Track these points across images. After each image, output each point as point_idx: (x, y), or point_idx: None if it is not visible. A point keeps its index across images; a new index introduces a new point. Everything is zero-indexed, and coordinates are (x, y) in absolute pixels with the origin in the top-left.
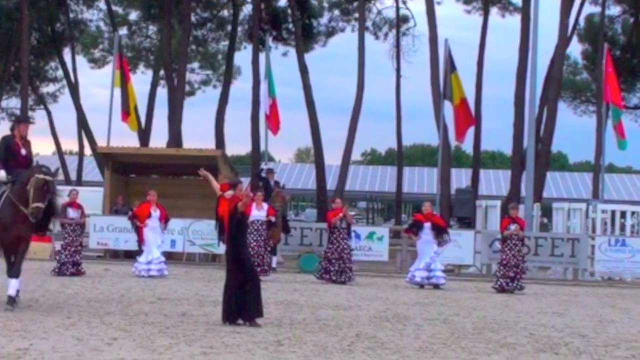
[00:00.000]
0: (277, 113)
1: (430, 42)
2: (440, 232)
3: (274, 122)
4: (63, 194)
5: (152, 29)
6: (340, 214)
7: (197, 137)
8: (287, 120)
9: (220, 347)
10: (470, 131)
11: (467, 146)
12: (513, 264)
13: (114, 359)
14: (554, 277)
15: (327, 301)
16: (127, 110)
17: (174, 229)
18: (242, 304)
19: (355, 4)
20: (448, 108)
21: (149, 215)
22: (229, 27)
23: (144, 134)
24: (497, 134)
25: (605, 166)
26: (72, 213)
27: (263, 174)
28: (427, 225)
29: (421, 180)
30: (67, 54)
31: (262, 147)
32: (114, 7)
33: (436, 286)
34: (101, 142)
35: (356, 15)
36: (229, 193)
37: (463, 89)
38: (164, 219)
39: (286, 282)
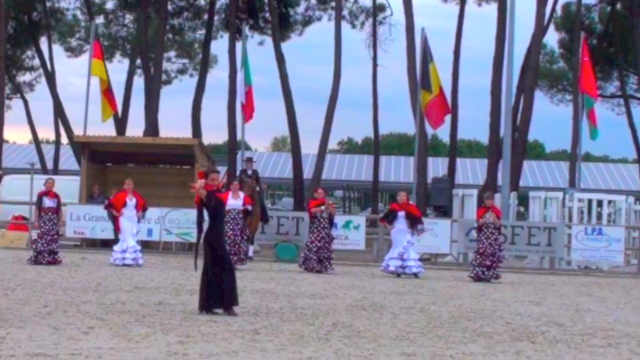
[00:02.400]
0: (252, 101)
1: (407, 31)
2: (414, 222)
3: (248, 111)
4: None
5: (129, 17)
6: (322, 207)
7: (174, 125)
8: (264, 109)
9: (197, 335)
10: (447, 120)
11: (444, 135)
12: (489, 252)
13: (90, 348)
14: (531, 265)
15: (303, 290)
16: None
17: (151, 217)
18: (218, 293)
19: None
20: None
21: (125, 204)
22: (206, 16)
23: (121, 123)
24: (473, 123)
25: (582, 155)
26: (48, 202)
27: (249, 172)
28: (402, 214)
29: (398, 169)
30: (43, 42)
31: (239, 136)
32: None
33: (415, 275)
34: (78, 131)
35: (332, 4)
36: (201, 182)
37: (439, 81)
38: (142, 208)
39: (263, 271)
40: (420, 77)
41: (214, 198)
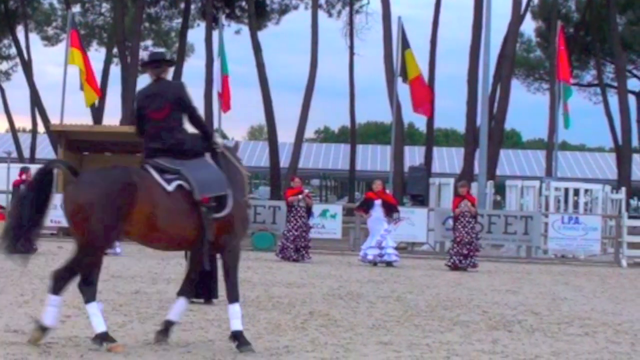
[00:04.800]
0: (229, 90)
1: (384, 20)
2: (390, 210)
3: (225, 100)
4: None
5: (106, 6)
6: (300, 196)
7: None
8: (241, 98)
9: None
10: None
11: (421, 124)
12: (466, 241)
13: (67, 336)
14: (507, 254)
15: (280, 279)
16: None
17: None
18: (203, 283)
19: None
20: (401, 86)
21: None
22: (182, 5)
23: (98, 112)
24: (450, 112)
25: (559, 144)
26: None
27: None
28: (378, 202)
29: (374, 158)
30: (20, 31)
31: (216, 125)
32: None
33: (389, 264)
34: (54, 120)
35: None
36: None
37: (417, 66)
38: None
39: (240, 260)
40: (396, 66)
41: None
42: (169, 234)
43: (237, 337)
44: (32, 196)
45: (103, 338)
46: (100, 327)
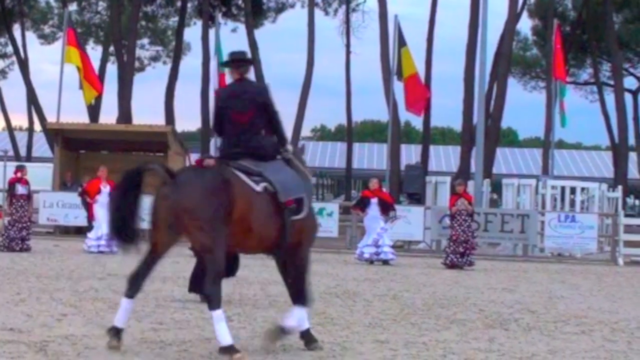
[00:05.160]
0: None
1: (380, 18)
2: (386, 209)
3: None
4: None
5: (102, 4)
6: None
7: (147, 113)
8: None
9: (170, 323)
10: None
11: (417, 122)
12: (462, 239)
13: (63, 335)
14: (504, 253)
15: (277, 277)
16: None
17: None
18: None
19: None
20: (398, 84)
21: (99, 191)
22: (179, 3)
23: (94, 110)
24: (446, 110)
25: (555, 142)
26: (20, 189)
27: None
28: (374, 201)
29: (371, 156)
30: (16, 29)
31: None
32: None
33: (385, 262)
34: (51, 118)
35: None
36: None
37: (414, 64)
38: None
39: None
40: (393, 64)
41: None
42: (259, 235)
43: (308, 336)
44: (122, 198)
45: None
46: (120, 321)
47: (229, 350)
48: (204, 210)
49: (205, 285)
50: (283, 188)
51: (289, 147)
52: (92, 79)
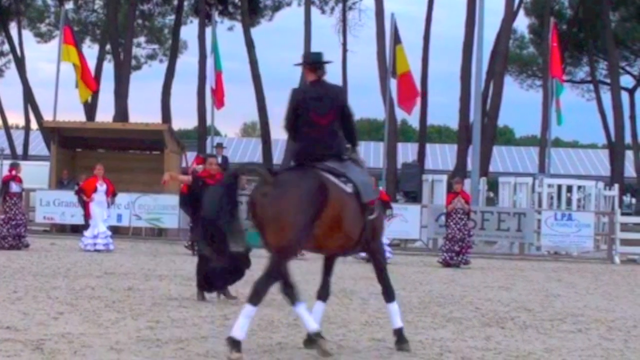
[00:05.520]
0: (222, 88)
1: (377, 16)
2: (383, 207)
3: (218, 97)
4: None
5: (99, 3)
6: None
7: (144, 111)
8: (234, 94)
9: (167, 321)
10: (417, 105)
11: (414, 120)
12: (458, 238)
13: (60, 333)
14: (500, 251)
15: None
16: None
17: (120, 203)
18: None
19: None
20: (394, 82)
21: (95, 190)
22: (175, 2)
23: (90, 109)
24: (443, 108)
25: (552, 140)
26: (15, 187)
27: (219, 158)
28: None
29: (367, 155)
30: (13, 28)
31: (209, 122)
32: None
33: None
34: (47, 117)
35: None
36: (199, 167)
37: (407, 62)
38: (112, 193)
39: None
40: (389, 63)
41: (203, 183)
42: (347, 235)
43: (399, 335)
44: (226, 201)
45: (318, 336)
46: (311, 325)
47: (235, 345)
48: (295, 213)
49: (259, 280)
50: (364, 189)
51: (357, 148)
52: (87, 77)
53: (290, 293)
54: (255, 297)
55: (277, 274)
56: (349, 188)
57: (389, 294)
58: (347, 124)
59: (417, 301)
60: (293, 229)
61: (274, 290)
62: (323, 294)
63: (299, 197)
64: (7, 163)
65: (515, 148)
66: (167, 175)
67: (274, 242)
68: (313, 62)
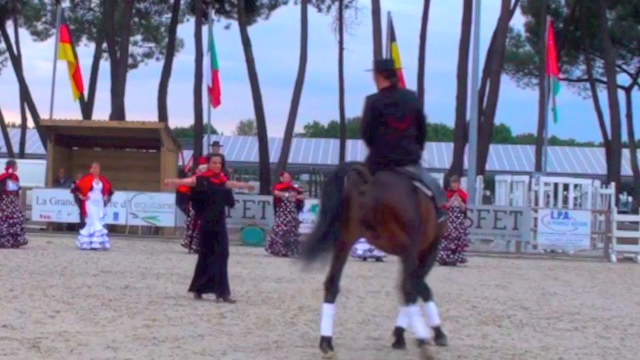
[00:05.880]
0: (219, 86)
1: (373, 15)
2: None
3: (215, 95)
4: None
5: (95, 1)
6: (287, 194)
7: (140, 109)
8: (230, 92)
9: (163, 319)
10: None
11: None
12: (454, 236)
13: (56, 332)
14: (497, 249)
15: (269, 274)
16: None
17: (117, 201)
18: (214, 279)
19: None
20: None
21: (91, 188)
22: (172, 0)
23: (87, 107)
24: (439, 107)
25: (548, 139)
26: (11, 185)
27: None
28: None
29: (364, 153)
30: (9, 26)
31: (205, 120)
32: None
33: (378, 259)
34: (44, 115)
35: None
36: (203, 167)
37: (400, 60)
38: (108, 192)
39: (229, 255)
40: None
41: (208, 183)
42: (427, 237)
43: (439, 331)
44: (334, 205)
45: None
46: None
47: (425, 342)
48: (408, 211)
49: (405, 283)
50: (439, 193)
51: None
52: (77, 78)
53: (334, 292)
54: (412, 298)
55: (413, 267)
56: (429, 192)
57: (429, 293)
58: (421, 129)
59: None
60: (405, 226)
61: (269, 290)
62: (425, 294)
63: (403, 197)
64: (3, 161)
65: (511, 146)
66: (169, 180)
67: (392, 241)
68: (387, 69)
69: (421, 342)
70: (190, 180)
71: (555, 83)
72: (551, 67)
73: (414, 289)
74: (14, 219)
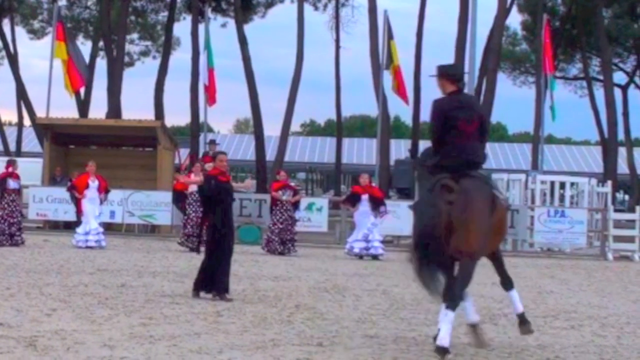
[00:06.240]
0: (215, 85)
1: (370, 13)
2: (377, 204)
3: (211, 94)
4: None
5: None
6: (284, 197)
7: (137, 108)
8: (227, 91)
9: (160, 318)
10: (410, 102)
11: (407, 117)
12: None
13: (53, 330)
14: None
15: (266, 272)
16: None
17: (113, 199)
18: (217, 278)
19: None
20: (387, 79)
21: (87, 186)
22: None
23: (83, 105)
24: None
25: (545, 137)
26: (12, 184)
27: (211, 153)
28: (365, 197)
29: (360, 151)
30: (6, 24)
31: (202, 118)
32: None
33: (375, 257)
34: (40, 113)
35: None
36: (209, 165)
37: (398, 57)
38: (104, 190)
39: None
40: (382, 59)
41: (215, 181)
42: (503, 236)
43: (522, 318)
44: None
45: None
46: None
47: (443, 351)
48: (484, 219)
49: (458, 286)
50: (503, 195)
51: None
52: (72, 74)
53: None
54: (455, 303)
55: (470, 276)
56: (501, 195)
57: (509, 283)
58: (484, 132)
59: (410, 298)
60: (481, 233)
61: (265, 288)
62: (507, 284)
63: (485, 205)
64: (1, 160)
65: (508, 145)
66: (180, 178)
67: (466, 247)
68: (455, 74)
69: (443, 350)
70: (199, 179)
71: (552, 81)
72: (547, 65)
73: (461, 296)
74: (13, 217)
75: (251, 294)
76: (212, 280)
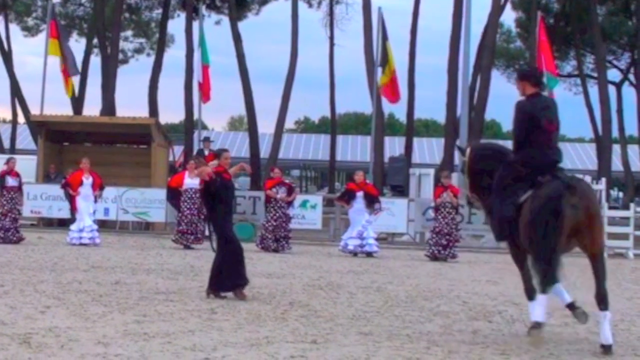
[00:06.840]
0: (209, 81)
1: (364, 10)
2: (371, 201)
3: (205, 91)
4: None
5: None
6: (278, 195)
7: (131, 105)
8: (221, 88)
9: (154, 315)
10: (404, 99)
11: (401, 114)
12: (446, 232)
13: (47, 327)
14: (488, 245)
15: (260, 269)
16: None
17: (107, 197)
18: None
19: None
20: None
21: (81, 183)
22: None
23: (78, 102)
24: (430, 102)
25: None
26: (11, 181)
27: (206, 152)
28: (360, 194)
29: (354, 149)
30: (0, 22)
31: (196, 115)
32: None
33: (369, 254)
34: (35, 111)
35: None
36: (213, 163)
37: (393, 60)
38: (99, 187)
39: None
40: (379, 56)
41: (221, 178)
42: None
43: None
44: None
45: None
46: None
47: (538, 325)
48: (601, 217)
49: (603, 286)
50: None
51: None
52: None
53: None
54: (605, 301)
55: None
56: None
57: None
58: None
59: (405, 295)
60: (602, 231)
61: (260, 285)
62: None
63: (598, 204)
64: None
65: (502, 142)
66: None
67: (597, 246)
68: (535, 77)
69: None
70: (208, 169)
71: (551, 79)
72: (547, 64)
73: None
74: (13, 214)
75: (245, 291)
76: (238, 274)
